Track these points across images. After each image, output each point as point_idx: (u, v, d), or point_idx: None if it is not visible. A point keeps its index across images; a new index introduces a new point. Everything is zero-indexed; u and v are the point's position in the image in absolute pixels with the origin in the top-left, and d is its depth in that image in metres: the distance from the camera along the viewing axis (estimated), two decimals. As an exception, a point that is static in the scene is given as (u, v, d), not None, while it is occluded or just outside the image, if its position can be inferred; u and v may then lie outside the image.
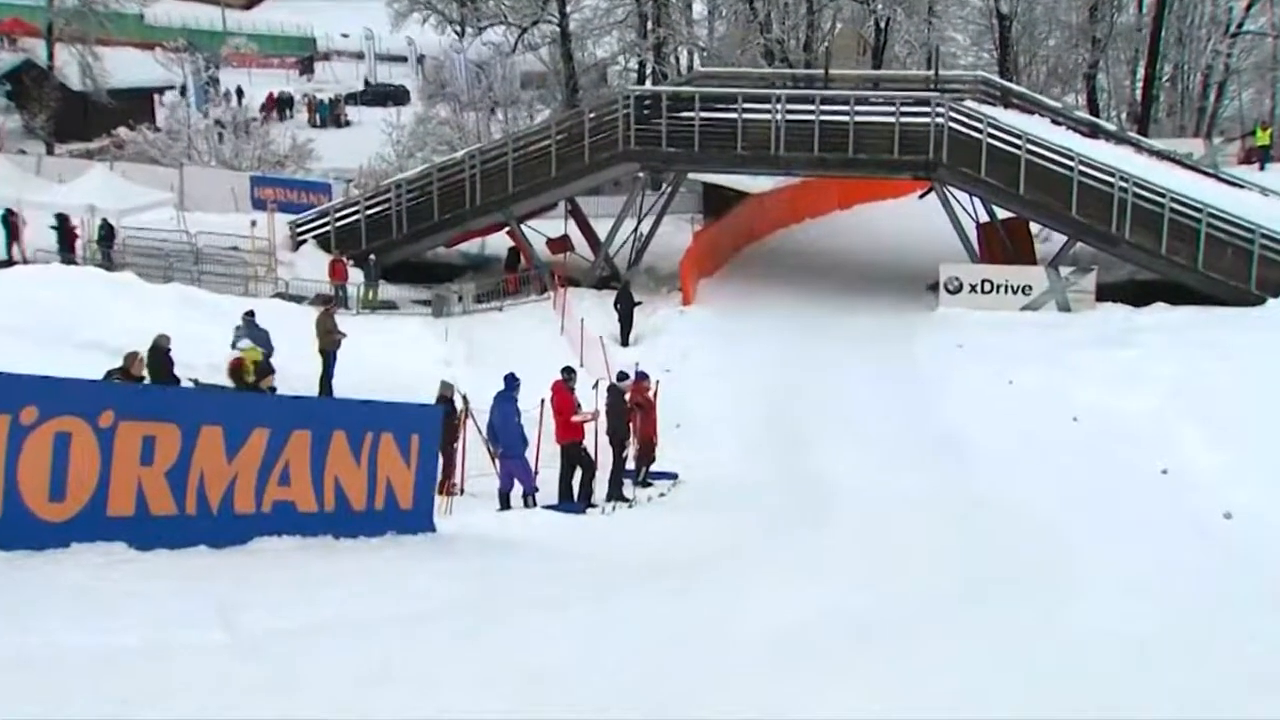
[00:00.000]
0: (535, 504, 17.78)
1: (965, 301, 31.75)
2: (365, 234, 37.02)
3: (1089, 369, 25.25)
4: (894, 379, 26.46)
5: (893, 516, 17.05)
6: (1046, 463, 20.56)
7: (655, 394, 21.37)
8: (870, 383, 26.20)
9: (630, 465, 19.84)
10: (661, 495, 19.49)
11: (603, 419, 19.47)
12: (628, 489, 19.34)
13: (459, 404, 19.11)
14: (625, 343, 29.91)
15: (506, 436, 17.91)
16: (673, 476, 20.52)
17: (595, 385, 21.12)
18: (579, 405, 18.95)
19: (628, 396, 19.78)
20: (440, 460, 16.02)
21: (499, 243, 39.03)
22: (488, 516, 16.23)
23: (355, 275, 35.10)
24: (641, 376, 20.92)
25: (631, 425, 19.73)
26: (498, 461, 18.41)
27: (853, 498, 18.43)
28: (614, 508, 18.14)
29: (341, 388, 23.09)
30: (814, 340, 29.22)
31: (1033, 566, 14.00)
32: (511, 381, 18.36)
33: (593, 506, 18.24)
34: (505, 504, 17.74)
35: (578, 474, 18.66)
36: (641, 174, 35.84)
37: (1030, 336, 28.53)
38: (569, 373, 19.30)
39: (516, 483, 18.00)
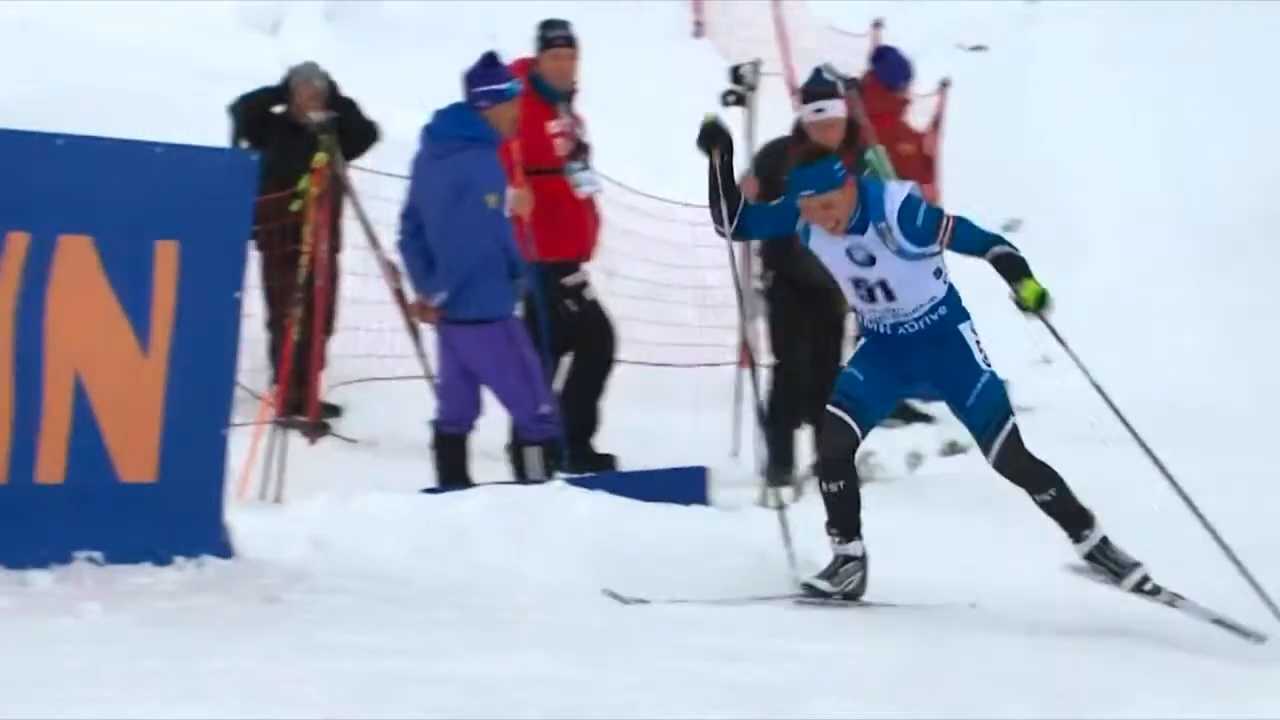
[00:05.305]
0: (563, 461, 7.20)
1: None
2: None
3: None
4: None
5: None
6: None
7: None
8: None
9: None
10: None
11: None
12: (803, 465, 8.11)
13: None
14: None
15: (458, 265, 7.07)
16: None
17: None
18: (576, 148, 7.86)
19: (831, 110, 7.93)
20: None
21: None
22: (390, 502, 6.26)
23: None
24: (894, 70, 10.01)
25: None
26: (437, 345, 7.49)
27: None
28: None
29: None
30: None
31: None
32: (484, 76, 7.10)
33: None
34: (453, 461, 7.20)
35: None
36: None
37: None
38: (553, 33, 7.96)
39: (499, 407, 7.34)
